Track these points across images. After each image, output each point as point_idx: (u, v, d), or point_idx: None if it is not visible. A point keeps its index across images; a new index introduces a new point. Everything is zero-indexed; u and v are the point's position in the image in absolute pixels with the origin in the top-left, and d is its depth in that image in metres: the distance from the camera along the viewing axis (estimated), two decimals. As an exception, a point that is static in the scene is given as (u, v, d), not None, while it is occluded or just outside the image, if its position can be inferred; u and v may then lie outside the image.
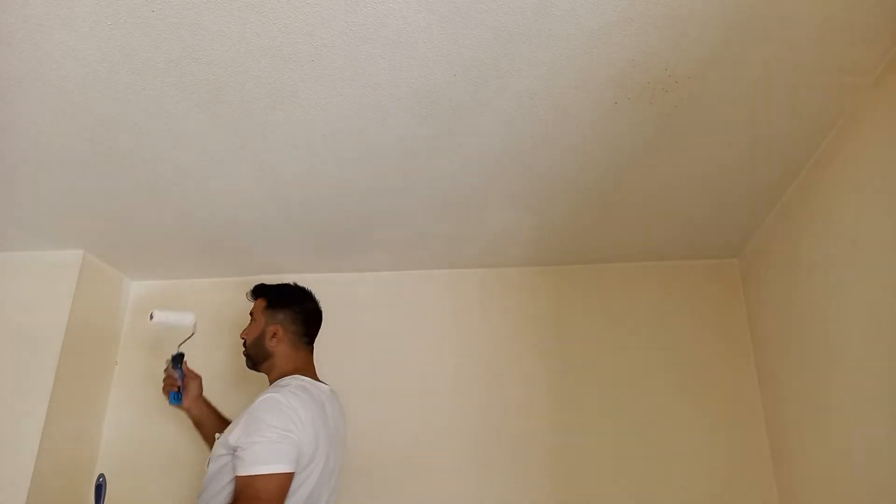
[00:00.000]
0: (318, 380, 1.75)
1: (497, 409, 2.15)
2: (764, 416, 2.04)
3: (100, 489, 1.78)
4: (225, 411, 1.99)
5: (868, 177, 1.38)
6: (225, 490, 1.46)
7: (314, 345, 1.85)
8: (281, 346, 1.76)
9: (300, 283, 1.92)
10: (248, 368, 1.82)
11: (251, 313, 1.84)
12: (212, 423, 1.91)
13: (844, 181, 1.48)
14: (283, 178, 1.67)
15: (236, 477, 1.42)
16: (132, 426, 2.19)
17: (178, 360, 1.93)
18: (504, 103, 1.37)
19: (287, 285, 1.90)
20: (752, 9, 1.13)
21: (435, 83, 1.30)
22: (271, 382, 1.71)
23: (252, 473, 1.37)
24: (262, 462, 1.38)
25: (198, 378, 1.96)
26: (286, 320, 1.79)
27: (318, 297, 1.91)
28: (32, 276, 2.05)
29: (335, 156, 1.57)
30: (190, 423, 1.99)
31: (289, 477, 1.41)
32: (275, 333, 1.76)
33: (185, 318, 1.98)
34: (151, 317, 1.94)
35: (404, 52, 1.21)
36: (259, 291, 1.87)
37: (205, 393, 1.98)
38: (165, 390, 1.93)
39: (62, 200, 1.76)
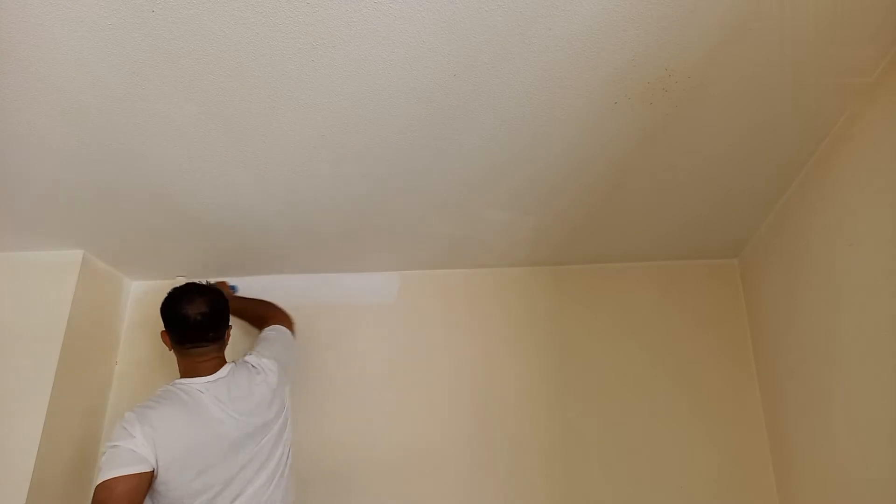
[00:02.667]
0: (200, 375, 1.70)
1: (495, 409, 2.15)
2: (764, 416, 2.04)
3: None
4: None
5: (868, 177, 1.38)
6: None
7: (202, 341, 1.74)
8: (175, 353, 1.78)
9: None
10: None
11: None
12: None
13: (844, 181, 1.48)
14: (282, 178, 1.67)
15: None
16: (132, 426, 2.19)
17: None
18: (504, 103, 1.37)
19: (170, 291, 1.82)
20: (752, 9, 1.13)
21: (435, 83, 1.30)
22: None
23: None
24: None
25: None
26: (167, 329, 1.78)
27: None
28: (32, 276, 2.05)
29: (335, 156, 1.57)
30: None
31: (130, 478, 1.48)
32: (168, 345, 1.80)
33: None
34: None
35: (404, 51, 1.21)
36: None
37: None
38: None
39: (62, 201, 1.76)
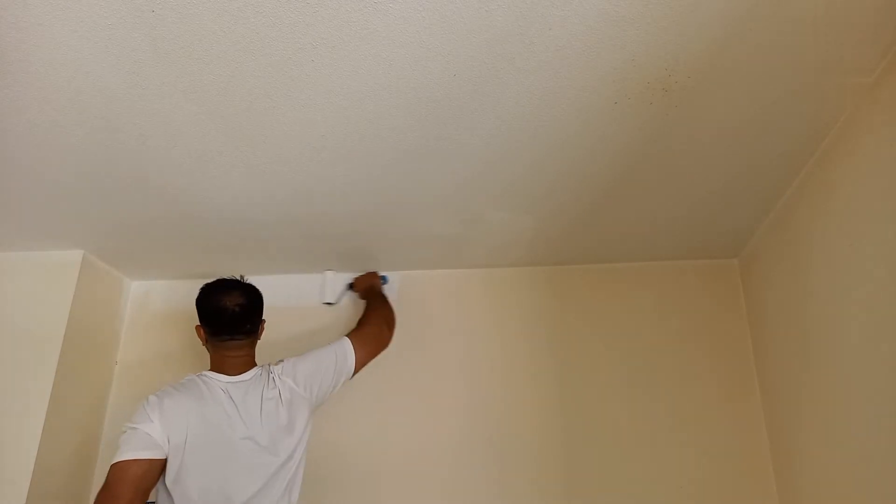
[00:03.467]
0: (226, 373, 1.70)
1: (495, 409, 2.15)
2: (764, 416, 2.04)
3: None
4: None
5: (868, 176, 1.38)
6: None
7: (237, 335, 1.74)
8: (208, 347, 1.77)
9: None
10: None
11: None
12: None
13: (845, 181, 1.48)
14: (282, 178, 1.67)
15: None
16: (132, 426, 2.19)
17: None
18: (504, 103, 1.37)
19: (205, 285, 1.81)
20: (753, 9, 1.13)
21: (435, 83, 1.30)
22: None
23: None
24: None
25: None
26: (202, 322, 1.77)
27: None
28: (32, 276, 2.05)
29: (335, 156, 1.57)
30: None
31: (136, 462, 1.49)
32: (203, 338, 1.79)
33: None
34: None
35: (404, 52, 1.21)
36: None
37: None
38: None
39: (62, 200, 1.76)
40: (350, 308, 2.30)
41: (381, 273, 2.29)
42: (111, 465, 1.49)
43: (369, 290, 2.22)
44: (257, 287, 1.82)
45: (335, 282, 2.30)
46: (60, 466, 1.96)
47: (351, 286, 2.29)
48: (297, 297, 2.31)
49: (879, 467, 1.38)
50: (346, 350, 1.87)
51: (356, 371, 1.89)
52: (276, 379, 1.74)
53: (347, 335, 1.93)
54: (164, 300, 2.35)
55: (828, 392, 1.61)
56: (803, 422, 1.76)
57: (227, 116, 1.40)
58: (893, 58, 1.25)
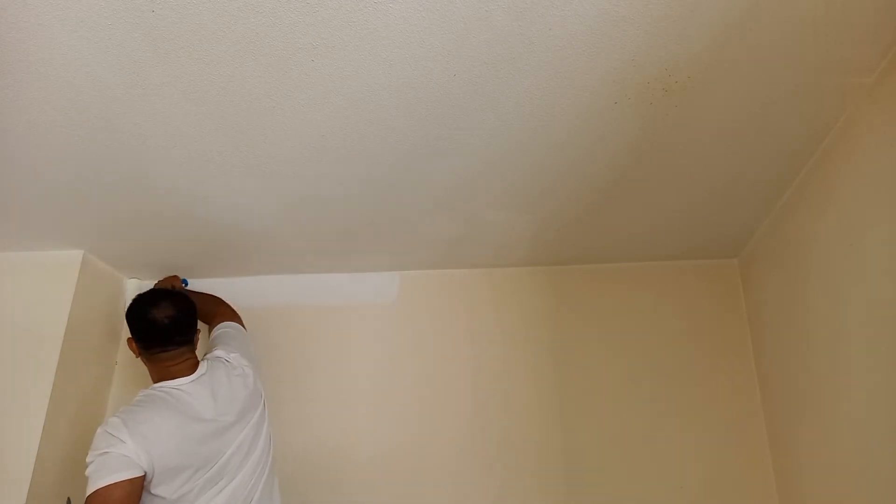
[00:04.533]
0: (179, 377, 1.70)
1: (494, 409, 2.15)
2: (764, 416, 2.04)
3: None
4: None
5: (868, 176, 1.38)
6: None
7: (174, 343, 1.73)
8: (144, 360, 1.77)
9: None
10: None
11: None
12: None
13: (844, 181, 1.48)
14: (282, 178, 1.67)
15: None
16: (132, 426, 2.19)
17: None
18: (504, 103, 1.37)
19: (135, 297, 1.82)
20: (753, 9, 1.13)
21: (435, 83, 1.30)
22: None
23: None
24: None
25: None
26: (133, 336, 1.77)
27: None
28: (32, 276, 2.05)
29: (334, 155, 1.57)
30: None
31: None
32: (136, 352, 1.79)
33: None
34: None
35: (404, 52, 1.21)
36: None
37: None
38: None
39: (62, 200, 1.76)
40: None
41: (182, 277, 2.26)
42: (89, 496, 1.43)
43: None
44: (183, 297, 1.83)
45: (139, 290, 2.26)
46: (60, 466, 1.96)
47: None
48: (295, 298, 2.31)
49: (879, 467, 1.38)
50: (231, 324, 1.99)
51: None
52: (229, 359, 1.80)
53: (220, 322, 1.99)
54: (163, 300, 2.35)
55: (827, 392, 1.61)
56: (803, 421, 1.76)
57: (227, 116, 1.40)
58: (893, 58, 1.25)
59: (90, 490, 1.43)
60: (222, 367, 1.77)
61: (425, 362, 2.23)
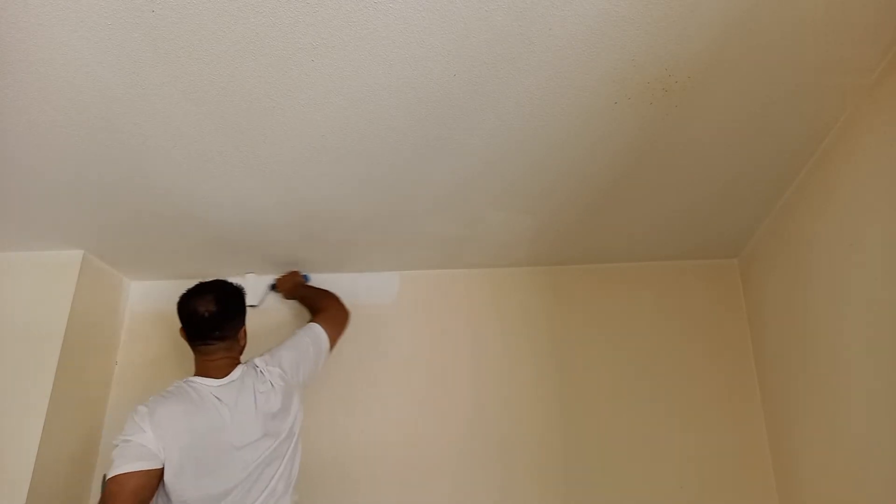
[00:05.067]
0: (212, 376, 1.69)
1: (494, 409, 2.15)
2: (764, 416, 2.04)
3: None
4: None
5: (868, 176, 1.38)
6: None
7: (211, 339, 1.72)
8: (192, 350, 1.77)
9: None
10: None
11: None
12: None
13: (844, 181, 1.48)
14: (282, 178, 1.67)
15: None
16: (132, 426, 2.19)
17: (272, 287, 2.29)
18: (504, 103, 1.37)
19: (190, 287, 1.81)
20: (753, 9, 1.13)
21: (435, 83, 1.30)
22: None
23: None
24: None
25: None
26: (182, 326, 1.77)
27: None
28: (32, 276, 2.05)
29: (334, 155, 1.57)
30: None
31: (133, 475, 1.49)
32: (184, 338, 1.78)
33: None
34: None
35: (404, 52, 1.21)
36: None
37: None
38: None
39: (62, 200, 1.76)
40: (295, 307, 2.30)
41: (303, 272, 2.28)
42: (108, 480, 1.47)
43: (295, 288, 2.23)
44: (230, 294, 1.79)
45: (257, 284, 2.29)
46: (60, 466, 1.96)
47: (273, 287, 2.28)
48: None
49: (879, 467, 1.38)
50: (318, 332, 1.93)
51: (331, 349, 1.97)
52: (264, 371, 1.75)
53: (311, 320, 1.98)
54: (164, 300, 2.35)
55: (827, 392, 1.61)
56: (803, 422, 1.76)
57: (227, 116, 1.40)
58: (893, 58, 1.25)
59: (109, 475, 1.48)
60: (253, 377, 1.72)
61: (425, 362, 2.22)
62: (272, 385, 1.73)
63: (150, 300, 2.36)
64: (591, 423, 2.10)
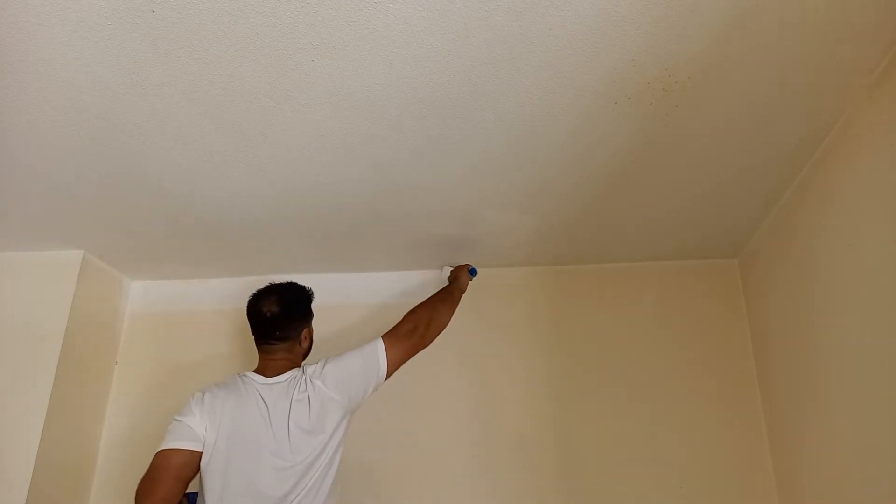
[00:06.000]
0: (264, 374, 1.69)
1: (495, 409, 2.15)
2: (764, 416, 2.04)
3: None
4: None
5: (868, 176, 1.38)
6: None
7: (269, 339, 1.72)
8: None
9: (300, 282, 1.89)
10: None
11: None
12: None
13: (844, 181, 1.48)
14: (282, 178, 1.67)
15: None
16: (132, 426, 2.19)
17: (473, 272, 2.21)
18: (504, 103, 1.37)
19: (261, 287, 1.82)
20: (752, 9, 1.13)
21: (435, 83, 1.30)
22: None
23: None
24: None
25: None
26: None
27: (310, 294, 1.83)
28: (32, 276, 2.05)
29: (334, 155, 1.57)
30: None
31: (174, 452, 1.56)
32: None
33: None
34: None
35: (404, 52, 1.21)
36: None
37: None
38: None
39: (62, 200, 1.76)
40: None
41: (472, 266, 2.20)
42: (157, 452, 1.55)
43: (451, 283, 2.13)
44: (295, 295, 1.79)
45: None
46: (60, 466, 1.96)
47: (474, 272, 2.22)
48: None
49: (879, 467, 1.38)
50: (377, 352, 1.75)
51: (390, 371, 1.77)
52: (308, 381, 1.66)
53: (384, 334, 1.80)
54: (164, 300, 2.35)
55: (827, 392, 1.61)
56: (803, 422, 1.76)
57: (227, 116, 1.40)
58: (893, 58, 1.25)
59: (159, 448, 1.56)
60: (295, 384, 1.66)
61: (424, 362, 2.22)
62: (309, 399, 1.63)
63: (150, 300, 2.36)
64: (591, 423, 2.10)
